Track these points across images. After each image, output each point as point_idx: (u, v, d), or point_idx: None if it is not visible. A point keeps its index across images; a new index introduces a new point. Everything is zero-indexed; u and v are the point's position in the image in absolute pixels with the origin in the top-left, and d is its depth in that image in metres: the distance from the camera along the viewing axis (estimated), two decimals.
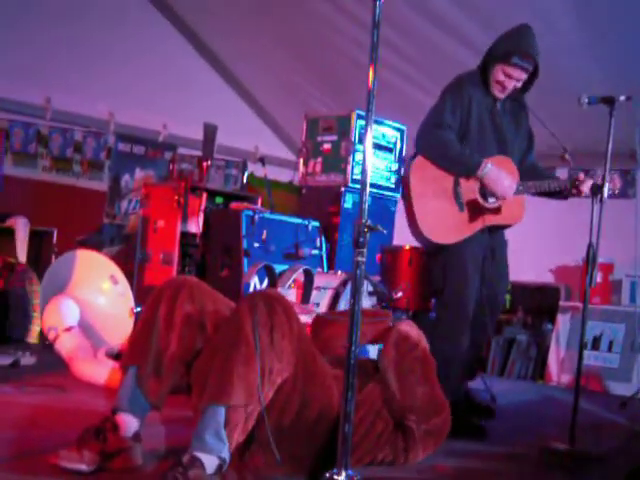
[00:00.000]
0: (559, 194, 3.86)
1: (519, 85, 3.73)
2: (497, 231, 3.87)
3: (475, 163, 3.61)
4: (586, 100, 3.38)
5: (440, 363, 3.69)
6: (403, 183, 3.79)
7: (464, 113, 3.67)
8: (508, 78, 3.66)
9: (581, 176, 3.73)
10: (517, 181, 3.71)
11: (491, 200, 3.69)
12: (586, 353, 5.54)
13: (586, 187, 3.68)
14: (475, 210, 3.68)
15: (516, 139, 3.87)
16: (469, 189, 3.68)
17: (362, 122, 5.39)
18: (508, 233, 4.03)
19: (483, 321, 3.86)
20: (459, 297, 3.71)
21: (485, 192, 3.69)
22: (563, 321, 5.95)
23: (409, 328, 3.03)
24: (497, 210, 3.70)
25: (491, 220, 3.70)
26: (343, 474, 1.88)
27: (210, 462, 2.28)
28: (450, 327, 3.73)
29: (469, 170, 3.63)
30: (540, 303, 6.46)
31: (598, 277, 5.91)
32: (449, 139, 3.62)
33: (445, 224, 3.67)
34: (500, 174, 3.63)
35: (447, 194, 3.67)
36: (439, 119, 3.63)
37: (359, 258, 1.93)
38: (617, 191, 3.77)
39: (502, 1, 5.10)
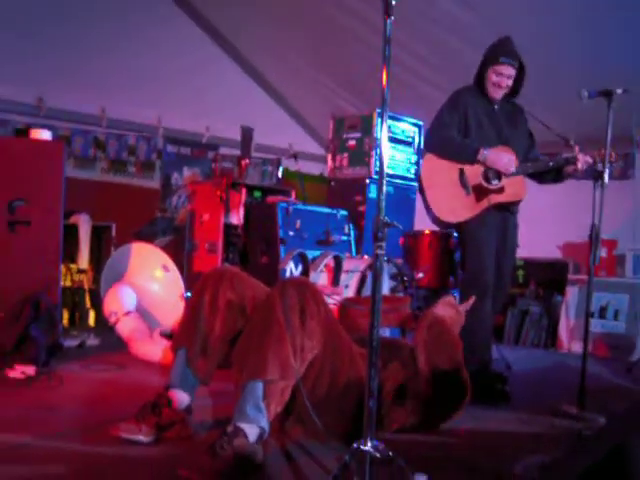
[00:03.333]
0: (557, 174, 3.89)
1: (510, 83, 3.79)
2: (508, 213, 3.88)
3: (474, 149, 3.72)
4: (586, 94, 3.34)
5: (466, 333, 3.70)
6: (417, 178, 3.97)
7: (461, 117, 3.80)
8: (500, 76, 3.75)
9: (576, 149, 3.74)
10: (516, 162, 3.76)
11: (494, 182, 3.75)
12: (594, 322, 5.51)
13: (581, 163, 3.68)
14: (480, 192, 3.76)
15: (515, 136, 3.89)
16: (473, 176, 3.76)
17: None
18: (521, 213, 4.00)
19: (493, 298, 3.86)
20: (476, 271, 3.76)
21: (488, 176, 3.76)
22: (572, 293, 5.90)
23: (447, 309, 2.98)
24: (500, 190, 3.75)
25: (496, 199, 3.76)
26: (369, 444, 1.88)
27: (252, 431, 2.28)
28: (472, 293, 3.69)
29: (470, 155, 3.74)
30: (550, 277, 6.39)
31: (603, 252, 5.90)
32: (449, 134, 3.78)
33: (455, 206, 3.77)
34: (498, 154, 3.72)
35: (454, 182, 3.77)
36: (439, 121, 3.82)
37: (378, 251, 1.91)
38: (614, 164, 3.72)
39: (509, 7, 5.01)
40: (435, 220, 3.87)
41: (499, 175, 3.75)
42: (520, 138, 3.92)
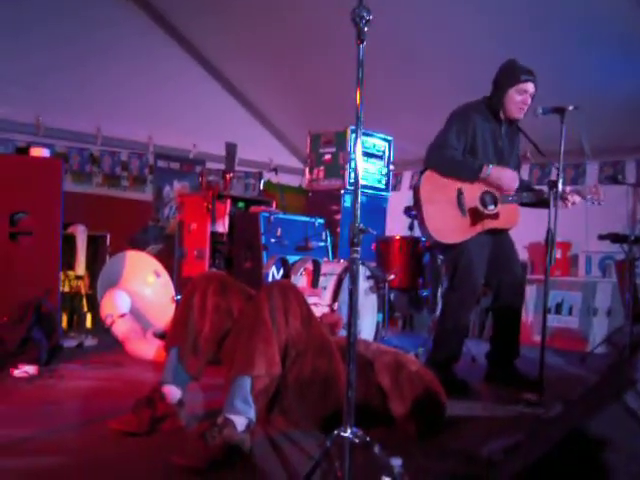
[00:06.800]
0: (544, 204, 3.62)
1: (530, 101, 3.58)
2: (500, 233, 3.72)
3: (478, 166, 3.53)
4: (540, 111, 3.31)
5: (445, 332, 3.69)
6: (414, 192, 3.64)
7: (469, 138, 3.57)
8: (524, 94, 3.54)
9: (567, 189, 3.59)
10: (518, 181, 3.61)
11: (490, 207, 3.58)
12: (550, 317, 5.57)
13: (570, 202, 3.58)
14: (476, 216, 3.56)
15: (511, 158, 3.76)
16: (471, 198, 3.56)
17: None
18: None
19: (513, 304, 3.81)
20: (464, 288, 3.63)
21: (485, 201, 3.59)
22: (530, 291, 5.93)
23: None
24: (495, 216, 3.59)
25: (490, 224, 3.58)
26: (348, 430, 1.88)
27: (240, 422, 2.28)
28: (455, 308, 3.66)
29: (474, 173, 3.53)
30: None
31: (558, 254, 5.95)
32: (451, 155, 3.52)
33: (449, 226, 3.55)
34: (501, 170, 3.55)
35: (451, 202, 3.55)
36: (444, 141, 3.54)
37: (354, 255, 1.92)
38: (602, 202, 3.64)
39: (469, 40, 5.08)
40: (427, 236, 3.66)
41: (495, 201, 3.58)
42: (514, 158, 3.79)
